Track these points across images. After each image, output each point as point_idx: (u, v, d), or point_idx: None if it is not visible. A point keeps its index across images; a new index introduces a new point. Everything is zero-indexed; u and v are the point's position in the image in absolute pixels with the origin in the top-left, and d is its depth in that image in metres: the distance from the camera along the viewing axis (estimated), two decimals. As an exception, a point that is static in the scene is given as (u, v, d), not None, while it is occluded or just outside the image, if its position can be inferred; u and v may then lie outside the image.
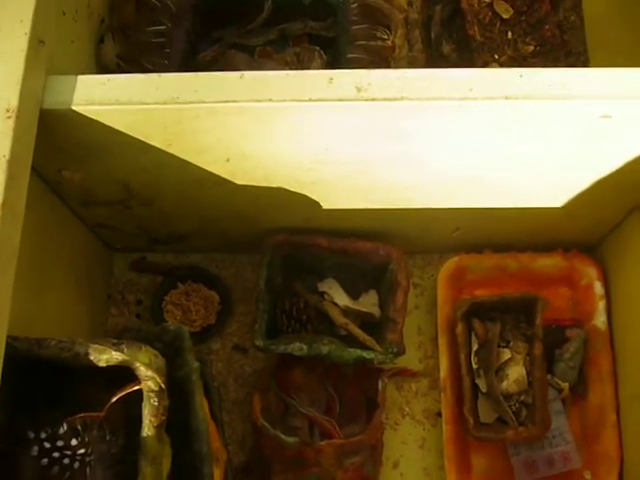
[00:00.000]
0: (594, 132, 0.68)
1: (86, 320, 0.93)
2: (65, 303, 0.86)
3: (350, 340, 0.90)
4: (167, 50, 0.92)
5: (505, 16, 0.99)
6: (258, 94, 0.63)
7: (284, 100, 0.63)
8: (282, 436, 0.84)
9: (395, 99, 0.63)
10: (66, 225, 0.86)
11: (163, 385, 0.63)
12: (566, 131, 0.68)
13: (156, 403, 0.62)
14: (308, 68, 0.96)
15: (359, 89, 0.63)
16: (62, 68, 0.76)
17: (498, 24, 0.98)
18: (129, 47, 0.91)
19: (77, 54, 0.83)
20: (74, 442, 0.61)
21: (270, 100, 0.63)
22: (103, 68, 0.89)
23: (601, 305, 0.93)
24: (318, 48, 0.97)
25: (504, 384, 0.89)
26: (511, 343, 0.91)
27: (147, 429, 0.62)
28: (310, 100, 0.63)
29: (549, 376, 0.91)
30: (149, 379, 0.62)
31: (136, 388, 0.63)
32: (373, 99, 0.63)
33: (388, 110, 0.64)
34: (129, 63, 0.90)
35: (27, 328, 0.73)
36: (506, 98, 0.63)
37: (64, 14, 0.79)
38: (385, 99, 0.63)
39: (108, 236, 0.94)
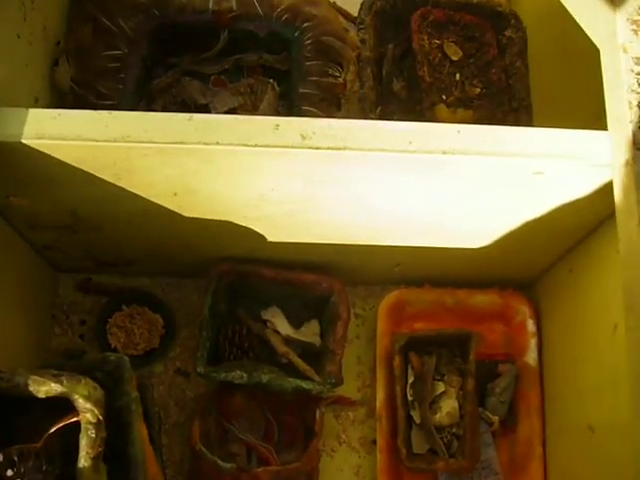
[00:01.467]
0: (526, 186, 0.72)
1: (29, 339, 0.93)
2: (9, 322, 0.86)
3: (290, 369, 0.92)
4: (122, 75, 0.93)
5: (454, 58, 1.02)
6: (206, 137, 0.65)
7: (231, 144, 0.65)
8: (219, 462, 0.85)
9: (338, 148, 0.65)
10: (11, 247, 0.86)
11: (101, 417, 0.64)
12: (500, 184, 0.72)
13: (93, 435, 0.63)
14: (261, 100, 0.98)
15: (304, 137, 0.65)
16: (14, 92, 0.77)
17: (447, 65, 1.01)
18: (84, 71, 0.92)
19: (31, 77, 0.84)
20: (9, 473, 0.62)
21: (217, 143, 0.65)
22: (57, 91, 0.90)
23: (533, 342, 0.97)
24: (272, 80, 0.99)
25: (437, 416, 0.92)
26: (445, 377, 0.94)
27: (84, 460, 0.63)
28: (256, 145, 0.65)
29: (480, 409, 0.95)
30: (87, 411, 0.63)
31: (74, 420, 0.64)
32: (317, 147, 0.65)
33: (332, 158, 0.66)
34: (83, 87, 0.91)
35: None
36: (444, 152, 0.66)
37: (19, 37, 0.79)
38: (329, 148, 0.65)
39: (54, 257, 0.94)
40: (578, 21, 0.77)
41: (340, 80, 0.96)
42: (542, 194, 0.74)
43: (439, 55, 1.02)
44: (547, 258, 0.93)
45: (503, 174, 0.70)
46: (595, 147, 0.68)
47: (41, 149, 0.65)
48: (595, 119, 0.83)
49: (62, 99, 0.90)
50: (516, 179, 0.71)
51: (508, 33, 1.04)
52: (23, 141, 0.64)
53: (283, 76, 0.99)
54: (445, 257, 0.90)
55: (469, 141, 0.67)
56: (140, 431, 0.73)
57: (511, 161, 0.68)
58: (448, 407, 0.93)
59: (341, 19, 1.01)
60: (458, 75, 1.01)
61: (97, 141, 0.65)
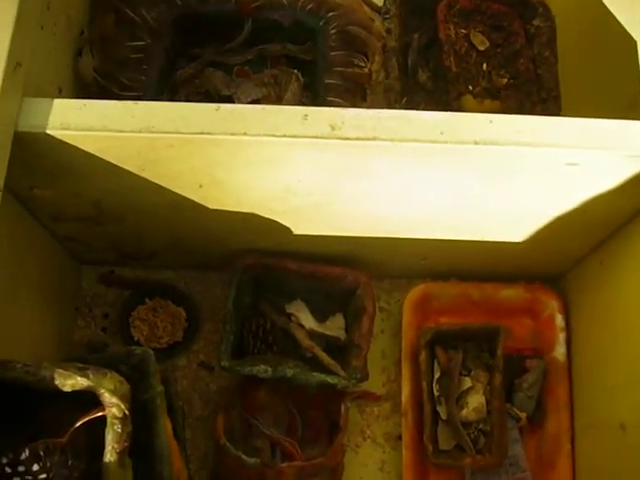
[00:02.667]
0: (558, 177, 0.70)
1: (53, 331, 0.92)
2: (32, 314, 0.86)
3: (315, 363, 0.91)
4: (145, 66, 0.92)
5: (481, 48, 1.00)
6: (233, 127, 0.64)
7: (259, 135, 0.64)
8: (243, 457, 0.84)
9: (367, 139, 0.64)
10: (35, 238, 0.85)
11: (127, 412, 0.63)
12: (532, 175, 0.70)
13: (119, 430, 0.63)
14: (285, 90, 0.97)
15: (333, 127, 0.64)
16: (38, 82, 0.76)
17: (474, 55, 1.00)
18: (107, 61, 0.91)
19: (54, 67, 0.83)
20: (36, 467, 0.61)
21: (245, 134, 0.64)
22: (80, 81, 0.89)
23: (561, 337, 0.95)
24: (296, 71, 0.98)
25: (464, 412, 0.91)
26: (472, 372, 0.93)
27: (109, 455, 0.62)
28: (284, 136, 0.63)
29: (508, 405, 0.93)
30: (113, 406, 0.63)
31: (100, 414, 0.63)
32: (346, 138, 0.64)
33: (360, 149, 0.65)
34: (106, 77, 0.90)
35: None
36: (475, 143, 0.65)
37: (42, 28, 0.78)
38: (358, 138, 0.64)
39: (77, 249, 0.94)
40: (615, 13, 0.75)
41: (365, 70, 0.94)
42: (574, 185, 0.73)
43: (466, 45, 1.00)
44: (577, 251, 0.91)
45: (535, 165, 0.68)
46: (630, 137, 0.66)
47: (66, 140, 0.64)
48: (627, 110, 0.81)
49: (85, 89, 0.89)
50: (548, 170, 0.69)
51: (536, 22, 1.01)
52: (48, 132, 0.63)
53: (307, 66, 0.97)
54: (473, 250, 0.88)
55: (501, 131, 0.65)
56: (165, 426, 0.73)
57: (544, 152, 0.66)
58: (475, 403, 0.91)
59: (366, 8, 0.99)
60: (485, 65, 1.00)
61: (123, 132, 0.64)
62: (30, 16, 0.67)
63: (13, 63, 0.63)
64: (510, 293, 0.97)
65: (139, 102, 0.65)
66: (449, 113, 0.65)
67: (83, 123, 0.64)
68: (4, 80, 0.61)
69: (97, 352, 0.94)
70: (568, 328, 0.96)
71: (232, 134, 0.64)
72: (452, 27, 1.00)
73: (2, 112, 0.61)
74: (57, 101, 0.64)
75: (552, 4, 1.02)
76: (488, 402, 0.92)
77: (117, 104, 0.64)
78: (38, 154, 0.67)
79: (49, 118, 0.64)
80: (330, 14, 0.94)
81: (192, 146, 0.65)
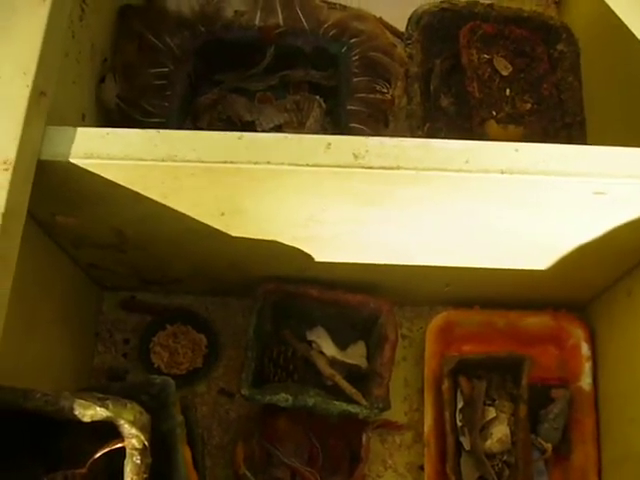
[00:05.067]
0: (585, 206, 0.69)
1: (73, 357, 0.92)
2: (53, 339, 0.86)
3: (336, 391, 0.90)
4: (168, 92, 0.92)
5: (504, 73, 0.99)
6: (256, 156, 0.63)
7: (282, 164, 0.63)
8: (263, 487, 0.83)
9: (391, 168, 0.63)
10: (57, 264, 0.85)
11: (146, 443, 0.63)
12: (558, 204, 0.69)
13: (139, 461, 0.62)
14: (307, 116, 0.97)
15: (356, 156, 0.63)
16: (62, 110, 0.77)
17: (497, 81, 0.99)
18: (130, 88, 0.91)
19: (78, 94, 0.84)
20: (54, 498, 0.61)
21: (268, 163, 0.63)
22: (103, 107, 0.89)
23: (587, 366, 0.94)
24: (318, 97, 0.98)
25: (488, 443, 0.89)
26: (496, 402, 0.91)
27: (128, 487, 0.62)
28: (307, 165, 0.63)
29: (532, 436, 0.91)
30: (133, 437, 0.62)
31: (119, 445, 0.62)
32: (370, 167, 0.63)
33: (384, 178, 0.64)
34: (129, 104, 0.91)
35: (15, 362, 0.74)
36: (501, 172, 0.64)
37: (67, 56, 0.79)
38: (381, 167, 0.63)
39: (99, 275, 0.94)
40: (639, 36, 0.74)
41: (388, 96, 0.94)
42: (601, 214, 0.71)
43: (488, 70, 0.99)
44: (604, 280, 0.89)
45: (562, 194, 0.67)
46: (660, 166, 0.65)
47: (89, 168, 0.64)
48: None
49: (108, 115, 0.90)
50: (575, 199, 0.68)
51: (560, 47, 1.01)
52: (71, 160, 0.63)
53: (330, 92, 0.97)
54: (497, 278, 0.87)
55: (527, 160, 0.64)
56: (184, 456, 0.72)
57: (571, 181, 0.65)
58: (499, 433, 0.89)
59: (388, 34, 0.99)
60: (508, 90, 0.99)
61: (145, 160, 0.63)
62: (55, 45, 0.68)
63: (37, 92, 0.63)
64: (535, 321, 0.96)
65: (162, 130, 0.65)
66: (474, 142, 0.65)
67: (106, 152, 0.64)
68: (28, 109, 0.61)
69: (117, 379, 0.94)
70: (594, 357, 0.94)
71: (255, 163, 0.63)
72: (475, 52, 0.99)
73: (26, 141, 0.61)
74: (80, 130, 0.64)
75: (575, 29, 1.01)
76: (513, 433, 0.90)
77: (140, 132, 0.64)
78: (61, 182, 0.67)
79: (72, 146, 0.64)
80: (352, 40, 0.95)
81: (214, 175, 0.65)
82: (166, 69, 0.93)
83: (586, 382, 0.93)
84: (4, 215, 0.58)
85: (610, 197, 0.67)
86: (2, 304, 0.59)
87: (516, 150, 0.64)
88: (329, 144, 0.64)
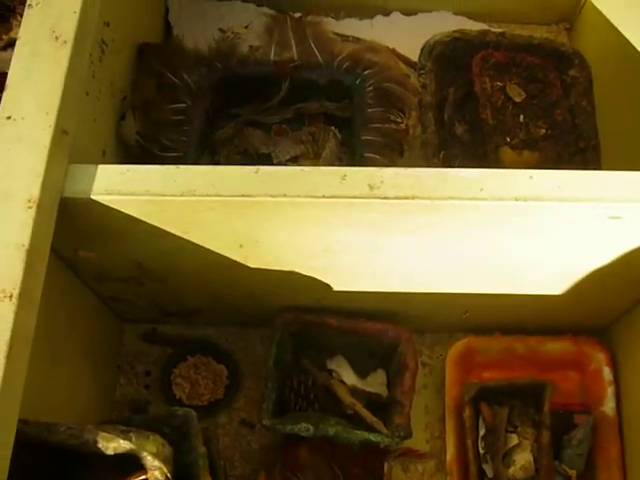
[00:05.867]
0: (601, 231, 0.69)
1: (95, 389, 0.93)
2: (76, 373, 0.87)
3: (357, 420, 0.90)
4: (186, 127, 0.94)
5: (517, 100, 1.00)
6: (273, 189, 0.64)
7: (298, 196, 0.64)
8: (286, 517, 0.83)
9: (407, 197, 0.64)
10: (79, 297, 0.87)
11: (169, 475, 0.63)
12: (574, 229, 0.69)
13: (162, 493, 0.63)
14: (323, 147, 0.98)
15: (371, 187, 0.64)
16: (83, 147, 0.78)
17: (510, 107, 1.00)
18: (149, 124, 0.93)
19: (98, 131, 0.85)
20: (78, 532, 0.62)
21: (284, 195, 0.64)
22: (123, 144, 0.91)
23: (610, 391, 0.93)
24: (333, 128, 0.99)
25: (511, 470, 0.89)
26: (519, 428, 0.91)
27: (152, 519, 0.62)
28: (323, 197, 0.64)
29: (556, 462, 0.90)
30: (156, 469, 0.63)
31: (143, 477, 0.63)
32: (385, 197, 0.64)
33: (399, 208, 0.65)
34: (149, 139, 0.93)
35: (39, 396, 0.74)
36: (516, 199, 0.64)
37: (87, 94, 0.81)
38: (397, 197, 0.64)
39: (120, 308, 0.95)
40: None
41: (402, 126, 0.95)
42: (618, 238, 0.72)
43: (502, 97, 1.00)
44: (622, 304, 0.89)
45: (577, 220, 0.67)
46: (675, 189, 0.66)
47: (110, 204, 0.66)
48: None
49: (128, 151, 0.92)
50: (591, 224, 0.68)
51: (572, 73, 1.02)
52: (92, 197, 0.65)
53: (345, 123, 0.99)
54: (516, 304, 0.87)
55: (542, 187, 0.65)
56: (207, 487, 0.72)
57: (586, 206, 0.65)
58: (522, 460, 0.89)
59: (402, 65, 1.01)
60: (522, 116, 1.00)
61: (165, 196, 0.65)
62: (76, 85, 0.70)
63: (60, 132, 0.65)
64: (555, 346, 0.95)
65: (180, 166, 0.66)
66: (488, 170, 0.65)
67: (126, 188, 0.65)
68: (51, 148, 0.63)
69: (139, 410, 0.94)
70: (617, 382, 0.93)
71: (271, 196, 0.64)
72: (487, 80, 1.00)
73: (49, 179, 0.63)
74: (101, 167, 0.66)
75: (587, 54, 1.02)
76: (536, 460, 0.89)
77: (159, 169, 0.66)
78: (83, 218, 0.68)
79: (94, 184, 0.65)
80: (366, 72, 0.96)
81: (232, 208, 0.66)
82: (184, 105, 0.95)
83: (609, 407, 0.92)
84: (29, 252, 0.59)
85: (626, 221, 0.67)
86: (28, 338, 0.60)
87: (530, 177, 0.65)
88: (344, 175, 0.65)
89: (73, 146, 0.68)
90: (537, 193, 0.64)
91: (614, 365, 0.94)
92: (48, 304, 0.73)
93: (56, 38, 0.67)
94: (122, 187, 0.65)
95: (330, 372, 0.94)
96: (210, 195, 0.65)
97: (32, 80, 0.66)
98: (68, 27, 0.67)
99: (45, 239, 0.63)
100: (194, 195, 0.65)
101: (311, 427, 0.84)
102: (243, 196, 0.64)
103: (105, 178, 0.65)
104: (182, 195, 0.65)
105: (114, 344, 0.99)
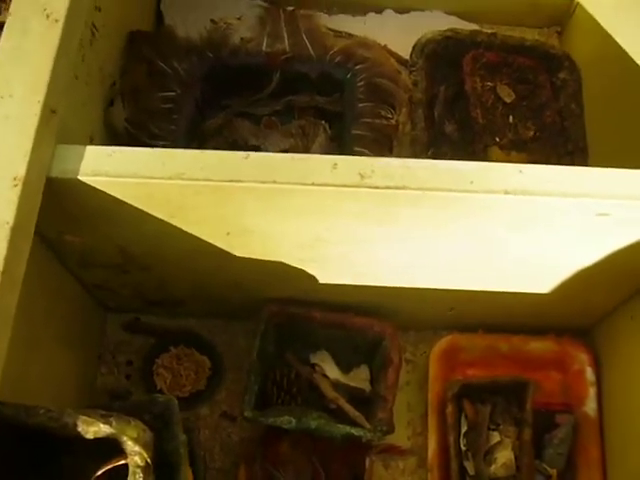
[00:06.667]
0: (590, 228, 0.69)
1: (75, 377, 0.92)
2: (55, 359, 0.86)
3: (339, 414, 0.89)
4: (175, 116, 0.93)
5: (507, 100, 1.01)
6: (263, 175, 0.64)
7: (288, 183, 0.64)
8: (265, 511, 0.83)
9: (397, 187, 0.64)
10: (62, 283, 0.86)
11: (149, 460, 0.62)
12: (562, 226, 0.69)
13: (141, 479, 0.62)
14: (312, 141, 0.97)
15: (362, 176, 0.64)
16: (71, 131, 0.77)
17: (500, 108, 1.00)
18: (138, 111, 0.92)
19: (87, 116, 0.84)
20: (56, 516, 0.61)
21: (274, 182, 0.64)
22: (111, 131, 0.90)
23: (592, 391, 0.93)
24: (323, 122, 0.99)
25: (492, 468, 0.89)
26: (501, 426, 0.91)
27: (131, 505, 0.61)
28: (313, 184, 0.64)
29: (537, 461, 0.90)
30: (136, 454, 0.62)
31: (122, 462, 0.62)
32: (376, 187, 0.64)
33: (389, 198, 0.65)
34: (137, 127, 0.92)
35: (17, 381, 0.73)
36: (506, 192, 0.64)
37: (76, 78, 0.80)
38: (387, 187, 0.64)
39: (103, 297, 0.94)
40: (641, 64, 0.75)
41: (392, 122, 0.95)
42: (605, 236, 0.72)
43: (492, 97, 1.01)
44: (607, 303, 0.89)
45: (565, 215, 0.68)
46: (663, 188, 0.66)
47: (97, 186, 0.65)
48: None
49: (116, 139, 0.91)
50: (579, 221, 0.68)
51: (562, 75, 1.02)
52: (79, 178, 0.64)
53: (335, 118, 0.98)
54: (501, 302, 0.87)
55: (532, 181, 0.65)
56: (187, 475, 0.71)
57: (574, 202, 0.65)
58: (504, 458, 0.89)
59: (393, 61, 1.01)
60: (511, 117, 1.00)
61: (152, 179, 0.64)
62: (66, 65, 0.69)
63: (48, 110, 0.64)
64: (539, 346, 0.96)
65: (169, 149, 0.65)
66: (479, 163, 0.65)
67: (114, 170, 0.64)
68: (39, 127, 0.62)
69: (121, 400, 0.93)
70: (599, 382, 0.94)
71: (261, 182, 0.64)
72: (478, 80, 1.01)
73: (36, 158, 0.62)
74: (89, 148, 0.65)
75: (577, 57, 1.02)
76: (517, 458, 0.89)
77: (147, 151, 0.65)
78: (69, 200, 0.67)
79: (81, 164, 0.64)
80: (358, 66, 0.96)
81: (221, 193, 0.65)
82: (173, 93, 0.94)
83: (591, 407, 0.93)
84: (13, 229, 0.59)
85: (614, 219, 0.67)
86: (7, 319, 0.59)
87: (520, 171, 0.65)
88: (335, 164, 0.64)
89: (61, 130, 0.67)
90: (527, 187, 0.64)
91: (597, 366, 0.95)
92: (30, 288, 0.72)
93: (47, 16, 0.66)
94: (109, 168, 0.64)
95: (313, 366, 0.93)
96: (199, 179, 0.64)
97: (21, 58, 0.65)
98: (60, 5, 0.67)
99: (30, 218, 0.62)
100: (182, 179, 0.64)
101: (293, 420, 0.84)
102: (232, 181, 0.64)
103: (92, 159, 0.65)
104: (170, 178, 0.64)
105: (96, 333, 0.98)
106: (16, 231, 0.59)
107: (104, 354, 0.98)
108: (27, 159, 0.61)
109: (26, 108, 0.63)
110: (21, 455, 0.66)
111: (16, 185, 0.60)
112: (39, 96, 0.63)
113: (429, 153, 0.95)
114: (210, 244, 0.75)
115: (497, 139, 0.98)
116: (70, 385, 0.91)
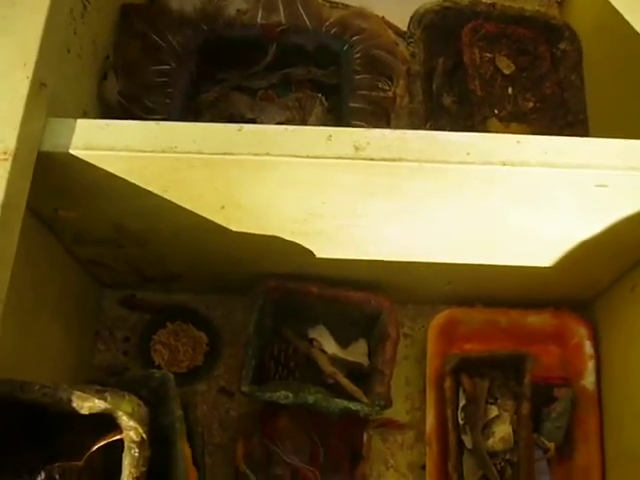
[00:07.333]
0: (588, 199, 0.68)
1: (72, 354, 0.92)
2: (52, 336, 0.85)
3: (337, 389, 0.89)
4: (170, 90, 0.92)
5: (506, 72, 0.99)
6: (256, 148, 0.63)
7: (282, 155, 0.63)
8: (264, 484, 0.83)
9: (393, 159, 0.63)
10: (57, 260, 0.85)
11: (145, 435, 0.62)
12: (560, 197, 0.68)
13: (137, 454, 0.61)
14: (309, 114, 0.96)
15: (357, 148, 0.63)
16: (63, 105, 0.77)
17: (499, 79, 0.99)
18: (132, 85, 0.91)
19: (80, 90, 0.83)
20: (51, 491, 0.60)
21: (268, 154, 0.63)
22: (105, 105, 0.89)
23: (590, 365, 0.93)
24: (320, 95, 0.98)
25: (490, 442, 0.88)
26: (499, 400, 0.90)
27: (126, 480, 0.61)
28: (308, 157, 0.63)
29: (535, 435, 0.90)
30: (131, 429, 0.61)
31: (117, 437, 0.62)
32: (371, 158, 0.63)
33: (385, 170, 0.64)
34: (131, 101, 0.91)
35: (13, 359, 0.73)
36: (503, 164, 0.63)
37: (69, 51, 0.79)
38: (383, 159, 0.63)
39: (99, 272, 0.93)
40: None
41: (390, 94, 0.93)
42: (604, 208, 0.71)
43: (491, 69, 1.00)
44: (607, 276, 0.89)
45: (563, 187, 0.67)
46: (663, 159, 0.65)
47: (89, 160, 0.64)
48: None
49: (110, 113, 0.90)
50: (577, 192, 0.67)
51: (562, 46, 1.01)
52: (71, 152, 0.63)
53: (332, 90, 0.97)
54: (499, 275, 0.86)
55: (529, 152, 0.64)
56: (184, 452, 0.71)
57: (572, 173, 0.64)
58: (502, 432, 0.89)
59: (390, 32, 0.99)
60: (510, 89, 0.99)
61: (145, 152, 0.63)
62: (56, 37, 0.68)
63: (38, 83, 0.63)
64: (537, 319, 0.95)
65: (161, 122, 0.64)
66: (476, 134, 0.64)
67: (106, 143, 0.63)
68: (28, 100, 0.61)
69: (118, 376, 0.93)
70: (597, 356, 0.93)
71: (255, 155, 0.63)
72: (477, 51, 0.99)
73: (26, 131, 0.61)
74: (80, 121, 0.64)
75: (578, 28, 1.01)
76: (515, 432, 0.89)
77: (140, 124, 0.64)
78: (61, 174, 0.67)
79: (72, 138, 0.63)
80: (354, 38, 0.94)
81: (214, 167, 0.65)
82: (168, 67, 0.93)
83: (589, 381, 0.92)
84: (3, 205, 0.58)
85: (612, 190, 0.66)
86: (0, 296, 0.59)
87: (518, 142, 0.64)
88: (330, 136, 0.64)
89: (53, 104, 0.66)
90: (524, 158, 0.64)
91: (595, 339, 0.94)
92: (24, 265, 0.72)
93: (35, -14, 0.65)
94: (101, 142, 0.63)
95: (311, 341, 0.93)
96: (192, 152, 0.63)
97: (9, 29, 0.64)
98: (48, -25, 0.65)
99: (21, 193, 0.61)
100: (175, 152, 0.63)
101: (291, 394, 0.84)
102: (225, 154, 0.63)
103: (84, 132, 0.64)
104: (163, 152, 0.63)
105: (92, 309, 0.98)
106: (7, 207, 0.58)
107: (101, 331, 0.98)
108: (16, 132, 0.60)
109: (15, 81, 0.62)
110: (17, 431, 0.66)
111: (6, 159, 0.59)
112: (28, 69, 0.62)
113: (427, 126, 0.95)
114: (205, 218, 0.74)
115: (496, 111, 0.97)
116: (68, 362, 0.91)
